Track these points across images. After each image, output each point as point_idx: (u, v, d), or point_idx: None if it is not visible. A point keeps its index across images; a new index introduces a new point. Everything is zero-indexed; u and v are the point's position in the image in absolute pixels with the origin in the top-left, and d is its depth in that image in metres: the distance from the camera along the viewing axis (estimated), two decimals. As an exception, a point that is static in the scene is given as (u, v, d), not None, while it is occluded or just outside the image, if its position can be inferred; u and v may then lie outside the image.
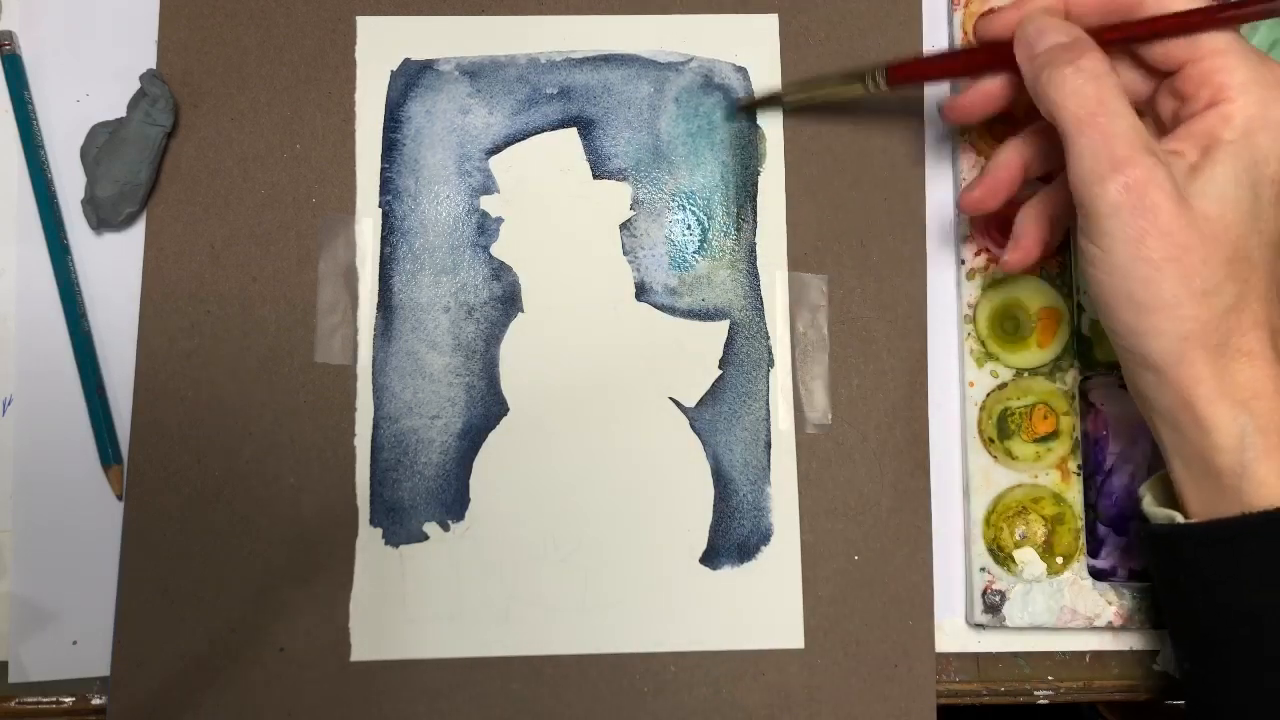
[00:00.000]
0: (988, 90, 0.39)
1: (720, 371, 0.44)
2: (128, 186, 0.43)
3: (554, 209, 0.45)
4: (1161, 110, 0.37)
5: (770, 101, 0.45)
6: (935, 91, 0.46)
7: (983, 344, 0.44)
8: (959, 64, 0.41)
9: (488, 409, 0.44)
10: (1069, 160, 0.35)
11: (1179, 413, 0.35)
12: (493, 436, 0.43)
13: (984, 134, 0.45)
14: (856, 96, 0.43)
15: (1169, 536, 0.36)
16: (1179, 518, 0.36)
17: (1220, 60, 0.35)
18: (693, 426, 0.44)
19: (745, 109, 0.45)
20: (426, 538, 0.43)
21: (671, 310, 0.44)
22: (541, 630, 0.42)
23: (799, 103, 0.45)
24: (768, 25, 0.46)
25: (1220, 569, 0.35)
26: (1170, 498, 0.37)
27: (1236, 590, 0.35)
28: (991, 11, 0.39)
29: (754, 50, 0.46)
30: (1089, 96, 0.34)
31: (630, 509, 0.43)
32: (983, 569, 0.43)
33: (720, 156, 0.45)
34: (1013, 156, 0.40)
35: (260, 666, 0.41)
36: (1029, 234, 0.40)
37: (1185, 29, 0.35)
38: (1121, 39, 0.37)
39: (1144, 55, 0.37)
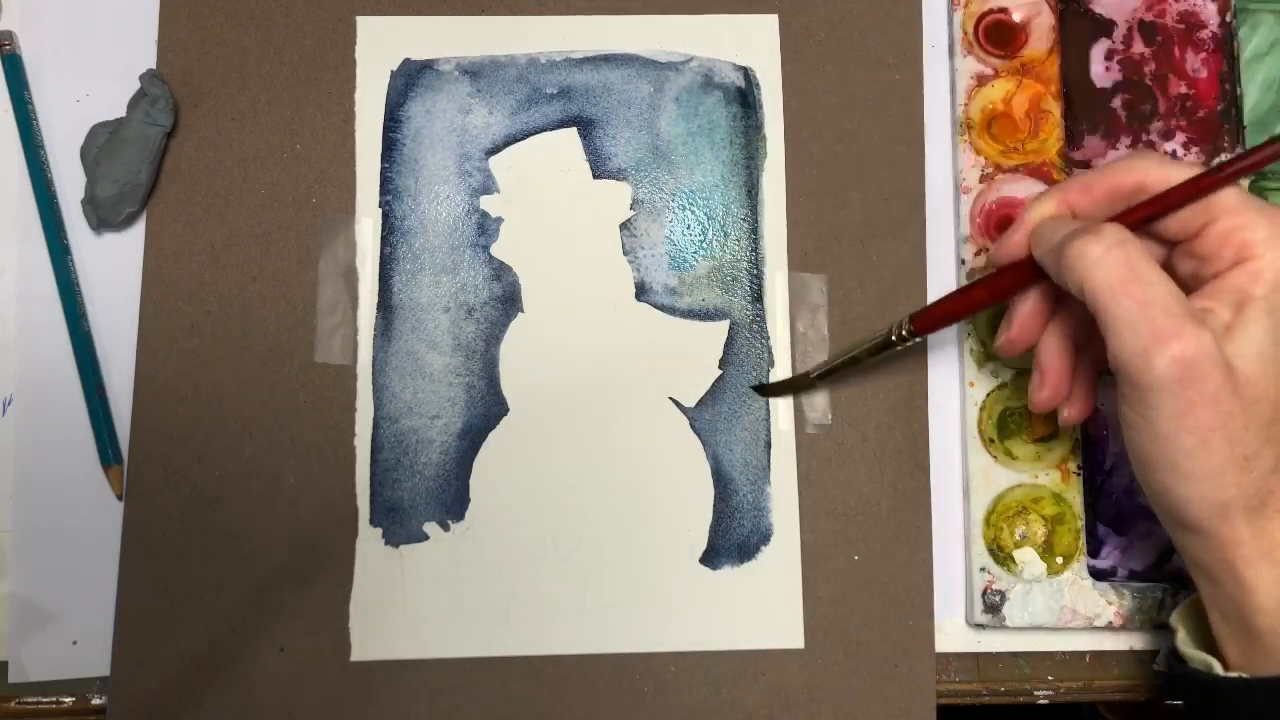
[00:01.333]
0: (1028, 316, 0.38)
1: (720, 371, 0.44)
2: (128, 186, 0.43)
3: (554, 209, 0.45)
4: (1180, 270, 0.36)
5: (796, 384, 0.43)
6: (934, 90, 0.47)
7: (983, 344, 0.44)
8: (984, 294, 0.39)
9: (488, 409, 0.44)
10: (1106, 332, 0.33)
11: (1218, 570, 0.35)
12: (493, 436, 0.43)
13: (984, 134, 0.46)
14: (886, 353, 0.41)
15: (1209, 685, 0.36)
16: (1217, 666, 0.36)
17: (1238, 219, 0.34)
18: (693, 426, 0.44)
19: (770, 391, 0.44)
20: (426, 538, 0.43)
21: (671, 310, 0.44)
22: (541, 630, 0.42)
23: (825, 375, 0.43)
24: (768, 25, 0.46)
25: None
26: (1199, 626, 0.37)
27: None
28: (1002, 238, 0.38)
29: (754, 50, 0.46)
30: (1116, 263, 0.33)
31: (630, 509, 0.43)
32: (983, 569, 0.43)
33: (720, 156, 0.45)
34: (1036, 305, 0.38)
35: (260, 666, 0.41)
36: (1054, 368, 0.38)
37: (1196, 196, 0.35)
38: (1137, 221, 0.35)
39: (1161, 230, 0.36)
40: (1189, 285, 0.36)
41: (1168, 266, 0.36)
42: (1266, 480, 0.34)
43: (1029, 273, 0.37)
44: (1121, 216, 0.36)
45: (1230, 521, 0.34)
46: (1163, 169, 0.35)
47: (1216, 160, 0.46)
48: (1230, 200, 0.35)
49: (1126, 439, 0.35)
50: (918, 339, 0.40)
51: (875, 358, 0.41)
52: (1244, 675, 0.35)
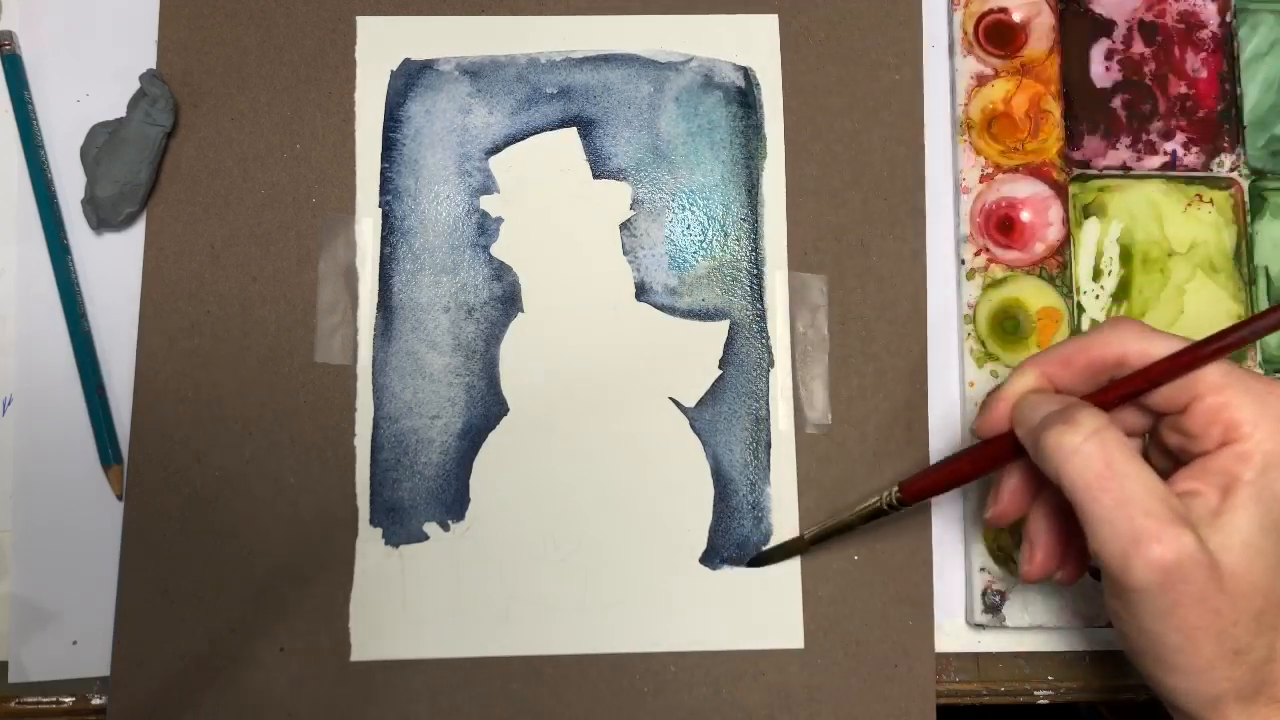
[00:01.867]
0: (1015, 490, 0.37)
1: (720, 371, 0.44)
2: (128, 186, 0.43)
3: (554, 209, 0.45)
4: (1167, 442, 0.35)
5: (791, 548, 0.43)
6: (934, 90, 0.47)
7: (983, 344, 0.44)
8: (968, 467, 0.38)
9: (488, 409, 0.44)
10: (1085, 527, 0.32)
11: None
12: (493, 436, 0.43)
13: (984, 134, 0.46)
14: (875, 517, 0.40)
15: None
16: None
17: (1223, 396, 0.33)
18: (693, 426, 0.44)
19: (764, 560, 0.43)
20: (426, 538, 0.43)
21: (671, 310, 0.44)
22: (541, 630, 0.42)
23: (819, 539, 0.42)
24: (768, 25, 0.46)
25: None
26: None
27: None
28: (984, 407, 0.37)
29: (754, 50, 0.46)
30: (1093, 457, 0.32)
31: (630, 509, 0.43)
32: (983, 569, 0.43)
33: (720, 156, 0.45)
34: (1022, 479, 0.37)
35: (260, 666, 0.41)
36: (1043, 541, 0.37)
37: (1176, 373, 0.33)
38: (1117, 399, 0.35)
39: (1146, 404, 0.35)
40: (1178, 457, 0.35)
41: (1155, 437, 0.36)
42: (1259, 671, 0.32)
43: (1011, 448, 0.36)
44: (1101, 395, 0.35)
45: (1222, 712, 0.32)
46: (1142, 342, 0.34)
47: (1219, 157, 0.46)
48: (1215, 376, 0.33)
49: (1115, 627, 0.34)
50: (908, 505, 0.39)
51: (867, 524, 0.40)
52: None
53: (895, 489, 0.39)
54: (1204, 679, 0.32)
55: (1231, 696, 0.32)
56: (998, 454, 0.37)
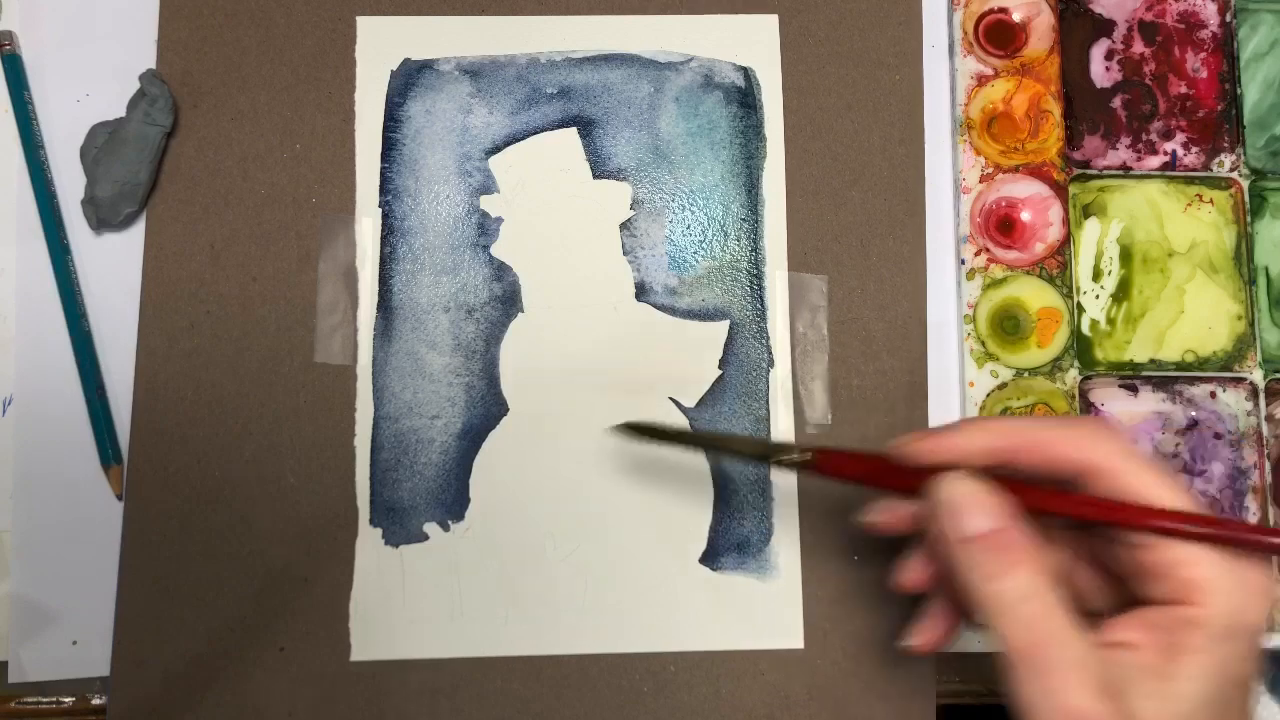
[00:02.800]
0: (903, 515, 0.36)
1: (720, 371, 0.44)
2: (127, 186, 0.43)
3: (554, 209, 0.45)
4: (1106, 559, 0.33)
5: (663, 435, 0.40)
6: (934, 90, 0.46)
7: (983, 344, 0.44)
8: (879, 476, 0.35)
9: (488, 409, 0.44)
10: (1011, 682, 0.30)
11: None
12: (493, 436, 0.43)
13: (984, 134, 0.46)
14: (771, 468, 0.39)
15: None
16: None
17: (1188, 553, 0.31)
18: (693, 426, 0.44)
19: (633, 432, 0.40)
20: (426, 538, 0.43)
21: (671, 310, 0.44)
22: (541, 630, 0.42)
23: (692, 449, 0.41)
24: (768, 25, 0.46)
25: None
26: None
27: None
28: (922, 437, 0.34)
29: (754, 50, 0.46)
30: (1025, 621, 0.30)
31: (630, 509, 0.43)
32: (983, 569, 0.43)
33: (720, 156, 0.45)
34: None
35: (260, 666, 0.41)
36: (938, 624, 0.36)
37: (1150, 530, 0.31)
38: (1060, 514, 0.32)
39: (1101, 531, 0.33)
40: (1112, 581, 0.33)
41: (1098, 548, 0.34)
42: None
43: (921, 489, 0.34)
44: (1049, 500, 0.32)
45: None
46: (1119, 462, 0.31)
47: (1219, 157, 0.46)
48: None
49: None
50: (805, 470, 0.36)
51: (759, 460, 0.39)
52: None
53: (811, 454, 0.36)
54: None
55: None
56: (912, 485, 0.34)
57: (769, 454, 0.38)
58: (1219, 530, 0.31)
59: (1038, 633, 0.30)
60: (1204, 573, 0.30)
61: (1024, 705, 0.30)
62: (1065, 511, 0.32)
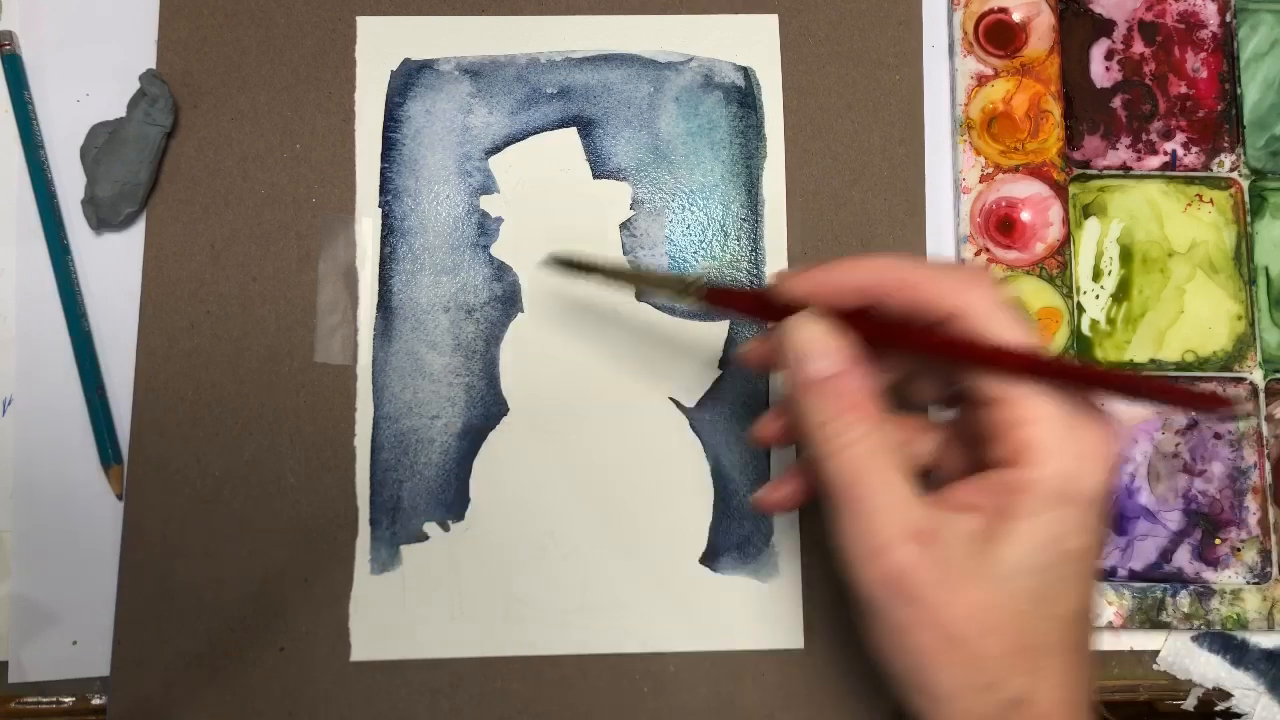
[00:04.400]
0: (770, 350, 0.36)
1: (720, 371, 0.44)
2: (128, 186, 0.43)
3: (554, 209, 0.45)
4: (967, 428, 0.33)
5: (584, 268, 0.40)
6: (934, 90, 0.47)
7: (983, 344, 0.44)
8: (759, 310, 0.35)
9: (488, 409, 0.44)
10: (834, 526, 0.31)
11: None
12: (493, 436, 0.43)
13: (984, 134, 0.46)
14: (673, 299, 0.40)
15: None
16: None
17: (1027, 411, 0.30)
18: (693, 426, 0.44)
19: (561, 265, 0.40)
20: (427, 538, 0.43)
21: (671, 310, 0.44)
22: (541, 630, 0.42)
23: (613, 283, 0.42)
24: (768, 25, 0.46)
25: None
26: None
27: None
28: (785, 276, 0.34)
29: (754, 50, 0.46)
30: (850, 462, 0.31)
31: (630, 509, 0.43)
32: (983, 569, 0.43)
33: (720, 156, 0.45)
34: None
35: (260, 666, 0.41)
36: (788, 488, 0.37)
37: (990, 364, 0.30)
38: (916, 350, 0.32)
39: (953, 374, 0.32)
40: (968, 445, 0.33)
41: (960, 416, 0.34)
42: (1012, 712, 0.30)
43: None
44: (906, 335, 0.32)
45: None
46: (984, 311, 0.31)
47: (1219, 157, 0.46)
48: (1029, 387, 0.30)
49: (870, 642, 0.32)
50: (701, 304, 0.36)
51: (664, 292, 0.40)
52: None
53: (705, 285, 0.36)
54: (949, 708, 0.30)
55: None
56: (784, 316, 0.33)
57: (673, 287, 0.37)
58: (1052, 367, 0.30)
59: (861, 474, 0.30)
60: (1039, 433, 0.30)
61: (843, 549, 0.31)
62: (910, 345, 0.32)
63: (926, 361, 0.34)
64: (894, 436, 0.31)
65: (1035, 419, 0.30)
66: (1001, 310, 0.31)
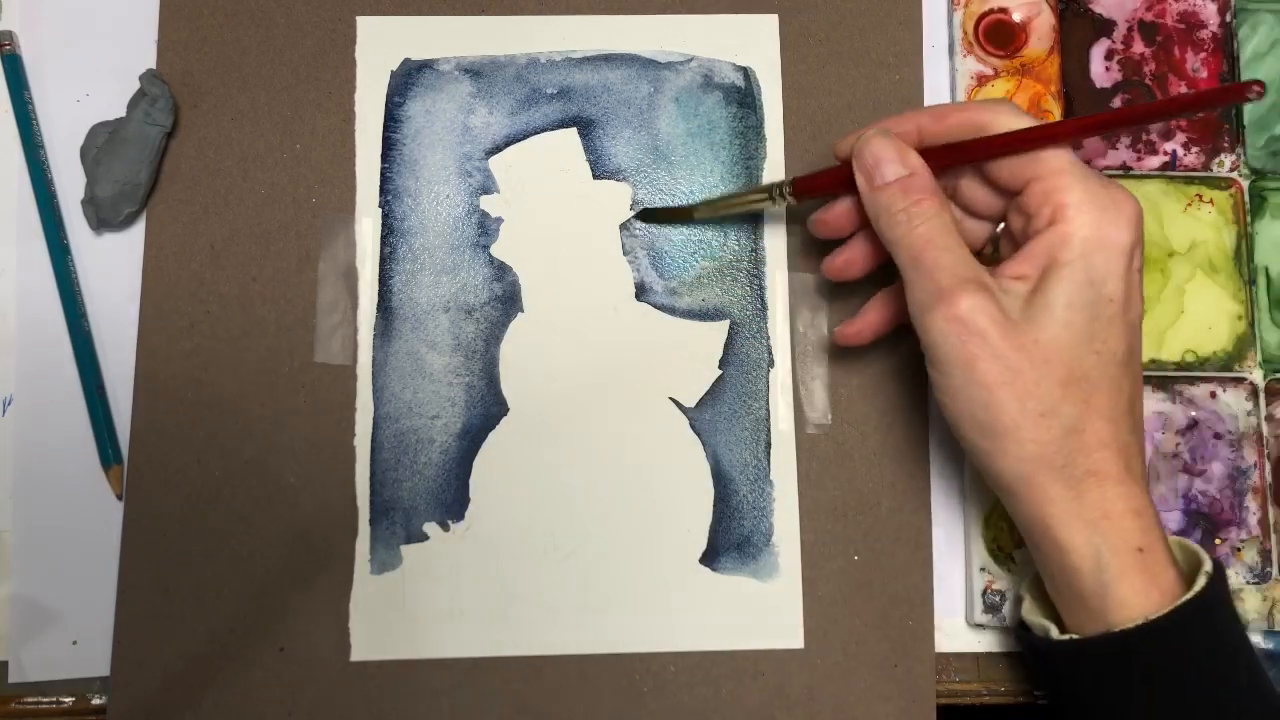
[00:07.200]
0: (841, 210, 0.41)
1: (720, 371, 0.44)
2: (128, 186, 0.43)
3: (554, 209, 0.45)
4: (1013, 226, 0.38)
5: (679, 215, 0.45)
6: (934, 90, 0.47)
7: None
8: (845, 183, 0.40)
9: (488, 409, 0.44)
10: (906, 294, 0.36)
11: (1036, 532, 0.35)
12: (493, 436, 0.43)
13: (984, 134, 0.46)
14: (765, 207, 0.43)
15: (1043, 650, 0.37)
16: (1054, 631, 0.36)
17: (1059, 180, 0.36)
18: (693, 426, 0.44)
19: (651, 218, 0.45)
20: (427, 538, 0.43)
21: (671, 310, 0.44)
22: (541, 630, 0.42)
23: (708, 217, 0.44)
24: (768, 25, 0.46)
25: (1089, 684, 0.35)
26: (1044, 593, 0.38)
27: (1106, 702, 0.35)
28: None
29: (754, 50, 0.46)
30: (919, 236, 0.36)
31: (630, 509, 0.43)
32: (983, 569, 0.43)
33: (720, 156, 0.45)
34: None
35: (260, 666, 0.41)
36: (869, 320, 0.42)
37: (1017, 146, 0.36)
38: (959, 161, 0.38)
39: (993, 176, 0.38)
40: (1020, 240, 0.37)
41: (1006, 227, 0.39)
42: (1068, 440, 0.34)
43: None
44: (946, 151, 0.38)
45: (1038, 482, 0.35)
46: (1006, 117, 0.37)
47: (1219, 157, 0.46)
48: (1058, 161, 0.36)
49: (938, 402, 0.37)
50: (794, 201, 0.42)
51: (752, 208, 0.43)
52: (1074, 637, 0.36)
53: (789, 183, 0.41)
54: (1013, 439, 0.35)
55: (1043, 463, 0.35)
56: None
57: (762, 197, 0.42)
58: (1072, 125, 0.37)
59: (932, 240, 0.36)
60: (1070, 197, 0.35)
61: (914, 304, 0.36)
62: (957, 157, 0.38)
63: (972, 172, 0.39)
64: (955, 219, 0.37)
65: (1066, 186, 0.36)
66: (1017, 113, 0.37)
